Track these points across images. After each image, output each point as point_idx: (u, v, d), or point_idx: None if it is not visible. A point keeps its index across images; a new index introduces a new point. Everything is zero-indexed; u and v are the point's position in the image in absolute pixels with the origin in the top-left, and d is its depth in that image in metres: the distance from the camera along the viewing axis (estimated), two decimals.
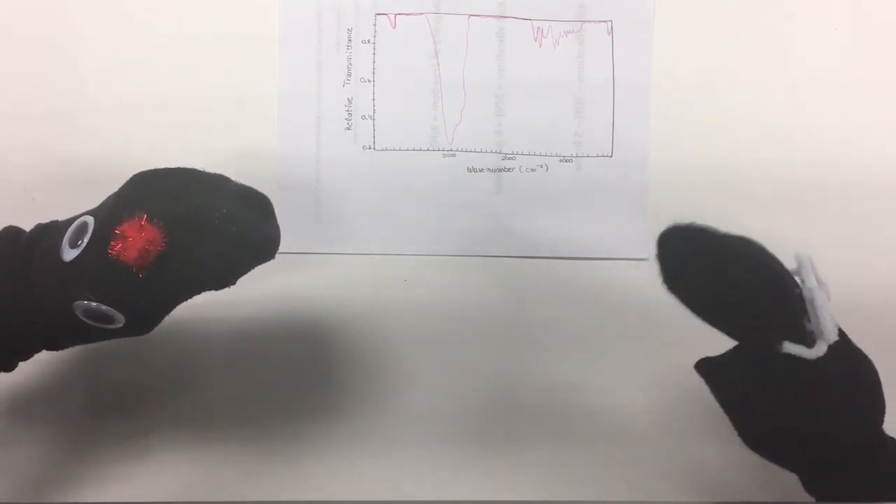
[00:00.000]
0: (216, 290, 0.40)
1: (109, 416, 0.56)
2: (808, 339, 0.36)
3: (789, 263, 0.39)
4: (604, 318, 0.56)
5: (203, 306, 0.55)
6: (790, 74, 0.56)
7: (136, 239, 0.36)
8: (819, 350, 0.36)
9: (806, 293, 0.37)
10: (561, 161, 0.57)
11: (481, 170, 0.57)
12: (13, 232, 0.40)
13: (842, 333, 0.39)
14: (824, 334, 0.36)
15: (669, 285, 0.38)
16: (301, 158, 0.56)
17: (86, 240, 0.37)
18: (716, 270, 0.37)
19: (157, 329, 0.41)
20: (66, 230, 0.38)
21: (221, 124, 0.56)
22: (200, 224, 0.37)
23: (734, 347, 0.39)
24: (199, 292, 0.40)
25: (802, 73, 0.56)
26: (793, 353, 0.36)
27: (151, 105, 0.56)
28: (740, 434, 0.39)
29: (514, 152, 0.57)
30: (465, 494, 0.56)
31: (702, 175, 0.56)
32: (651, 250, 0.55)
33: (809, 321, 0.36)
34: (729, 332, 0.39)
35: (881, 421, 0.39)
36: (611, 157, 0.56)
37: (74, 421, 0.56)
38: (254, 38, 0.56)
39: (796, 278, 0.38)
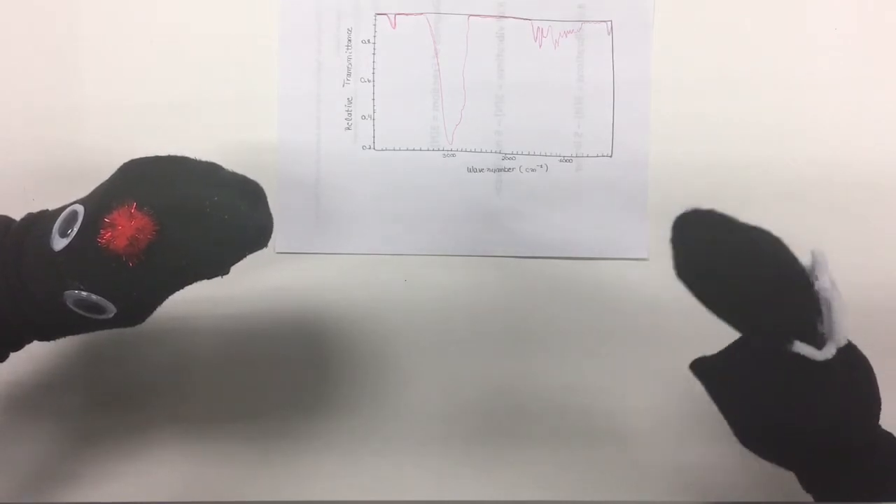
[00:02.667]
0: (208, 278, 0.39)
1: (108, 414, 0.56)
2: (819, 341, 0.36)
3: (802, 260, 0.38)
4: (604, 317, 0.56)
5: (202, 305, 0.56)
6: (790, 74, 0.56)
7: (126, 227, 0.35)
8: (828, 353, 0.35)
9: (823, 294, 0.36)
10: (561, 161, 0.57)
11: (481, 170, 0.57)
12: (2, 222, 0.40)
13: None
14: (835, 337, 0.35)
15: (681, 272, 0.37)
16: (301, 158, 0.56)
17: (75, 229, 0.37)
18: (733, 260, 0.36)
19: (156, 327, 0.41)
20: (56, 219, 0.38)
21: (221, 124, 0.56)
22: (191, 212, 0.37)
23: (730, 346, 0.39)
24: (191, 282, 0.39)
25: (802, 73, 0.56)
26: (802, 353, 0.35)
27: (151, 105, 0.56)
28: (736, 433, 0.39)
29: (514, 152, 0.57)
30: (465, 494, 0.56)
31: (702, 175, 0.56)
32: (652, 248, 0.55)
33: (822, 322, 0.36)
34: (737, 326, 0.37)
35: (877, 417, 0.38)
36: (611, 157, 0.56)
37: (72, 419, 0.56)
38: (254, 38, 0.56)
39: (816, 273, 0.37)
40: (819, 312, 0.36)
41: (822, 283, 0.36)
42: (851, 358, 0.38)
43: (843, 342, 0.35)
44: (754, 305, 0.36)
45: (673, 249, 0.37)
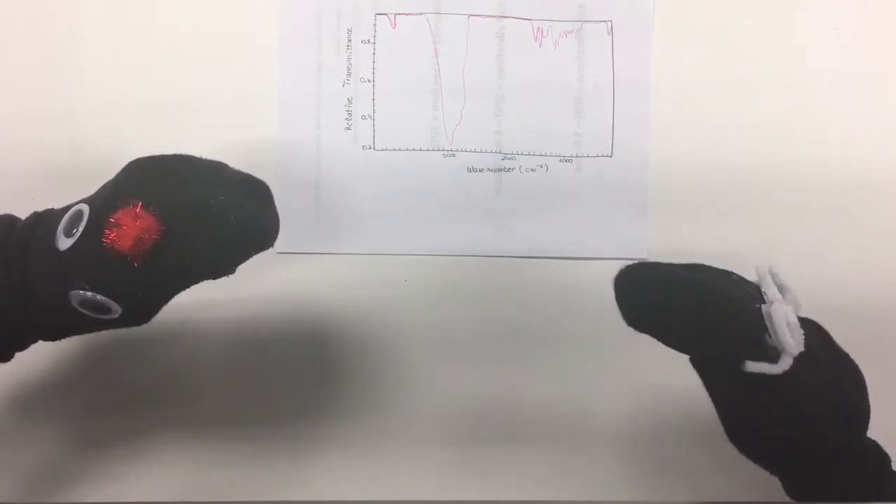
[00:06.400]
0: (214, 279, 0.39)
1: (110, 415, 0.56)
2: (773, 354, 0.36)
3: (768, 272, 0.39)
4: (603, 318, 0.56)
5: (204, 306, 0.56)
6: (790, 74, 0.56)
7: (131, 227, 0.35)
8: (784, 364, 0.36)
9: (763, 308, 0.36)
10: (561, 161, 0.57)
11: (481, 170, 0.57)
12: (8, 220, 0.40)
13: (824, 338, 0.39)
14: (786, 349, 0.35)
15: (632, 325, 0.39)
16: (301, 158, 0.56)
17: (81, 228, 0.36)
18: (666, 306, 0.38)
19: (157, 328, 0.41)
20: (62, 218, 0.37)
21: (221, 124, 0.56)
22: (197, 212, 0.37)
23: None
24: (196, 282, 0.39)
25: (802, 73, 0.56)
26: (756, 370, 0.36)
27: (151, 105, 0.56)
28: (726, 431, 0.39)
29: (514, 152, 0.57)
30: (465, 494, 0.56)
31: (702, 175, 0.56)
32: (652, 248, 0.56)
33: (770, 336, 0.36)
34: (696, 357, 0.39)
35: (865, 424, 0.38)
36: (611, 157, 0.56)
37: (75, 420, 0.56)
38: (254, 38, 0.56)
39: (763, 288, 0.38)
40: (765, 327, 0.36)
41: (770, 295, 0.37)
42: (832, 365, 0.38)
43: (795, 351, 0.36)
44: (698, 338, 0.38)
45: (618, 305, 0.40)
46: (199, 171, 0.39)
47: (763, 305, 0.37)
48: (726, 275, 0.39)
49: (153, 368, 0.56)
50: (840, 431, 0.37)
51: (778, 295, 0.37)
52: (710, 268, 0.39)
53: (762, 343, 0.36)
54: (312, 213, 0.57)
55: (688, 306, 0.38)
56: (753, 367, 0.36)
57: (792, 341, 0.36)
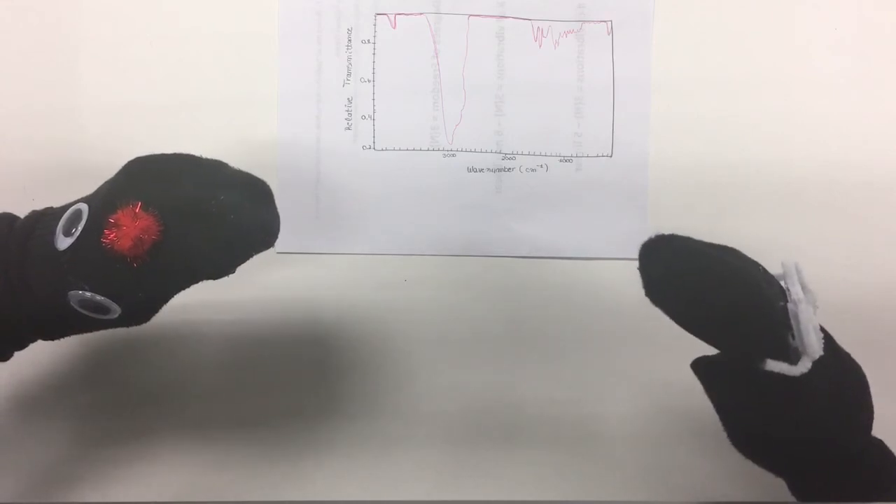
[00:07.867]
0: (214, 279, 0.39)
1: (110, 416, 0.56)
2: (793, 355, 0.35)
3: (777, 267, 0.38)
4: (603, 318, 0.56)
5: (204, 307, 0.56)
6: (790, 74, 0.56)
7: (131, 227, 0.35)
8: (803, 367, 0.35)
9: (790, 307, 0.36)
10: (561, 161, 0.57)
11: (481, 170, 0.57)
12: (7, 219, 0.39)
13: (829, 339, 0.38)
14: (808, 351, 0.35)
15: (651, 297, 0.38)
16: (301, 158, 0.56)
17: (80, 228, 0.36)
18: (697, 285, 0.37)
19: (158, 329, 0.41)
20: (60, 218, 0.37)
21: (221, 124, 0.56)
22: (196, 212, 0.36)
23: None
24: (196, 282, 0.39)
25: (802, 73, 0.56)
26: (776, 370, 0.35)
27: (151, 105, 0.56)
28: (728, 436, 0.39)
29: (514, 152, 0.57)
30: (465, 494, 0.56)
31: (702, 175, 0.56)
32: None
33: (794, 337, 0.36)
34: (713, 346, 0.38)
35: (869, 424, 0.38)
36: (611, 157, 0.56)
37: (75, 420, 0.56)
38: (254, 38, 0.56)
39: (782, 283, 0.37)
40: (790, 327, 0.36)
41: (795, 293, 0.36)
42: (837, 367, 0.38)
43: (816, 355, 0.35)
44: (721, 327, 0.37)
45: (641, 276, 0.38)
46: (198, 171, 0.39)
47: (790, 304, 0.36)
48: (755, 265, 0.38)
49: (154, 369, 0.56)
50: (847, 432, 0.37)
51: (802, 294, 0.36)
52: (741, 254, 0.38)
53: (784, 342, 0.36)
54: (312, 212, 0.57)
55: (721, 290, 0.36)
56: (774, 366, 0.35)
57: (817, 343, 0.35)
